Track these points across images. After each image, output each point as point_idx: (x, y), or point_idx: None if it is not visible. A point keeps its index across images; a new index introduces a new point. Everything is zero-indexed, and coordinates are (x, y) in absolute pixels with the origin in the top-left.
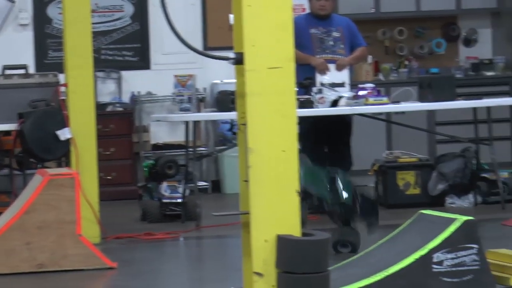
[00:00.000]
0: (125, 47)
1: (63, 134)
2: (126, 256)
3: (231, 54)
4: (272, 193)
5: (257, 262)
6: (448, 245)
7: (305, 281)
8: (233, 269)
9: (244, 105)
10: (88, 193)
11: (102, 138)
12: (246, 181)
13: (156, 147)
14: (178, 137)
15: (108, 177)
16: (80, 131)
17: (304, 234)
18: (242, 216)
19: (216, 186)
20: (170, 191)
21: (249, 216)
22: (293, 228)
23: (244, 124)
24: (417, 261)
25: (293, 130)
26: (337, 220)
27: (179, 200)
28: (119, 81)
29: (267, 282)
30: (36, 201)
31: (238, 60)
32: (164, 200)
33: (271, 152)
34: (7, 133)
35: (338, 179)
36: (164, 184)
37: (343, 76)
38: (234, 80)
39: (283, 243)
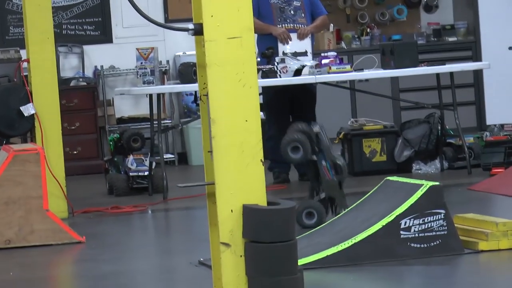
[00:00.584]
0: (86, 21)
1: (27, 110)
2: (94, 230)
3: (190, 25)
4: (236, 163)
5: (223, 233)
6: (415, 211)
7: (273, 250)
8: (201, 240)
9: (205, 76)
10: (54, 168)
11: (66, 113)
12: (210, 151)
13: (121, 120)
14: (142, 110)
15: (74, 152)
16: (44, 106)
17: (269, 203)
18: (208, 186)
19: (183, 158)
20: (137, 165)
21: (214, 186)
22: (258, 197)
23: (206, 95)
24: (384, 227)
25: (255, 99)
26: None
27: (146, 173)
28: (81, 55)
29: (235, 252)
30: (2, 177)
31: (198, 31)
32: (131, 174)
33: (234, 122)
34: None
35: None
36: (130, 157)
37: (305, 45)
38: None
39: (249, 213)
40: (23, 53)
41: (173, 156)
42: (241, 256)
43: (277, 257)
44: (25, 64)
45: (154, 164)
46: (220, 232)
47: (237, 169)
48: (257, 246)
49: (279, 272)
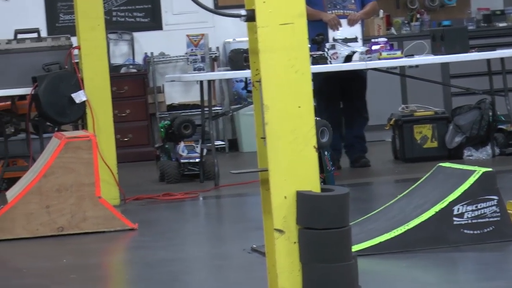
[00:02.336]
0: (136, 8)
1: (78, 97)
2: (145, 217)
3: (242, 11)
4: (289, 149)
5: (277, 219)
6: (468, 197)
7: (327, 236)
8: (253, 227)
9: (258, 62)
10: (106, 155)
11: (117, 100)
12: (263, 138)
13: (171, 107)
14: (192, 97)
15: (125, 139)
16: (95, 93)
17: (323, 190)
18: (261, 173)
19: (233, 144)
20: (188, 151)
21: (267, 173)
22: (312, 183)
23: (259, 81)
24: (437, 214)
25: (308, 85)
26: None
27: (197, 160)
28: (131, 42)
29: (288, 238)
30: (54, 164)
31: (250, 17)
32: (182, 160)
33: (287, 108)
34: (22, 97)
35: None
36: (181, 144)
37: (355, 31)
38: (246, 39)
39: (303, 199)
40: (73, 40)
41: (223, 142)
42: (295, 242)
43: (331, 244)
44: (76, 51)
45: (205, 151)
46: (274, 219)
47: (290, 155)
48: (311, 232)
49: (333, 258)
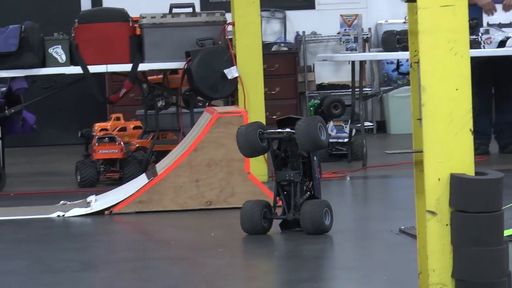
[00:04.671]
0: None
1: (230, 72)
2: None
3: None
4: (445, 131)
5: (430, 201)
6: None
7: (479, 220)
8: (400, 208)
9: (417, 43)
10: None
11: (267, 77)
12: (419, 119)
13: (321, 87)
14: (342, 77)
15: (273, 117)
16: (247, 70)
17: (477, 173)
18: (415, 154)
19: (381, 126)
20: (336, 131)
21: (422, 154)
22: (466, 167)
23: (417, 62)
24: None
25: (467, 68)
26: None
27: (345, 140)
28: (283, 21)
29: (440, 221)
30: (205, 138)
31: None
32: (331, 140)
33: (444, 90)
34: (174, 71)
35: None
36: (330, 124)
37: (510, 16)
38: (399, 20)
39: (457, 182)
40: (228, 16)
41: (372, 124)
42: (446, 225)
43: (484, 228)
44: (230, 27)
45: (354, 131)
46: (426, 200)
47: (445, 137)
48: (463, 215)
49: (485, 242)
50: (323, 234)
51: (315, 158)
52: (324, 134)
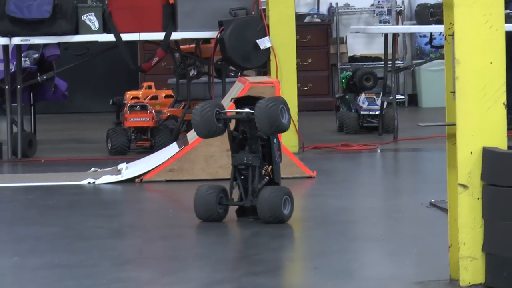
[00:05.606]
0: None
1: (263, 43)
2: (323, 165)
3: None
4: (478, 104)
5: (462, 174)
6: None
7: (511, 194)
8: (431, 182)
9: (452, 16)
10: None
11: (299, 48)
12: (452, 92)
13: (353, 59)
14: (375, 49)
15: (305, 88)
16: (280, 40)
17: (510, 147)
18: (448, 127)
19: (412, 99)
20: (368, 103)
21: (454, 127)
22: (499, 140)
23: (452, 35)
24: None
25: (501, 42)
26: None
27: (377, 113)
28: None
29: (472, 194)
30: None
31: None
32: (362, 112)
33: (478, 63)
34: (206, 41)
35: None
36: (362, 96)
37: None
38: None
39: (489, 155)
40: None
41: (403, 97)
42: (478, 198)
43: None
44: None
45: (385, 104)
46: (458, 174)
47: (478, 111)
48: (495, 189)
49: None
50: (341, 209)
51: (275, 140)
52: (286, 116)
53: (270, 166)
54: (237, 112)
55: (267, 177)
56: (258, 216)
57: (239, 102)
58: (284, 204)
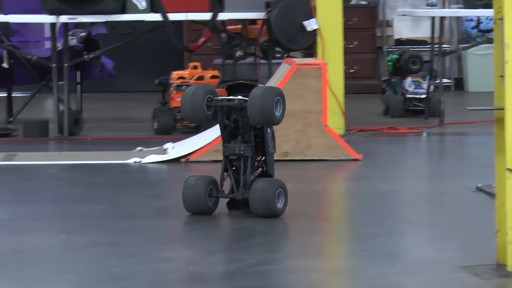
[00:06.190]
0: None
1: (310, 24)
2: (368, 148)
3: None
4: None
5: (510, 159)
6: None
7: None
8: (476, 166)
9: None
10: (333, 85)
11: (346, 31)
12: (501, 76)
13: (399, 42)
14: (421, 33)
15: (350, 71)
16: (327, 22)
17: None
18: (496, 112)
19: (458, 83)
20: (414, 87)
21: (503, 112)
22: None
23: (501, 19)
24: None
25: None
26: None
27: (423, 96)
28: None
29: None
30: (283, 89)
31: None
32: (408, 95)
33: None
34: (253, 21)
35: None
36: (408, 79)
37: None
38: None
39: None
40: None
41: (449, 81)
42: None
43: None
44: None
45: (431, 87)
46: (507, 158)
47: None
48: None
49: None
50: (386, 192)
51: (269, 130)
52: (280, 109)
53: (263, 157)
54: (229, 99)
55: (260, 169)
56: (250, 209)
57: (232, 89)
58: (277, 198)
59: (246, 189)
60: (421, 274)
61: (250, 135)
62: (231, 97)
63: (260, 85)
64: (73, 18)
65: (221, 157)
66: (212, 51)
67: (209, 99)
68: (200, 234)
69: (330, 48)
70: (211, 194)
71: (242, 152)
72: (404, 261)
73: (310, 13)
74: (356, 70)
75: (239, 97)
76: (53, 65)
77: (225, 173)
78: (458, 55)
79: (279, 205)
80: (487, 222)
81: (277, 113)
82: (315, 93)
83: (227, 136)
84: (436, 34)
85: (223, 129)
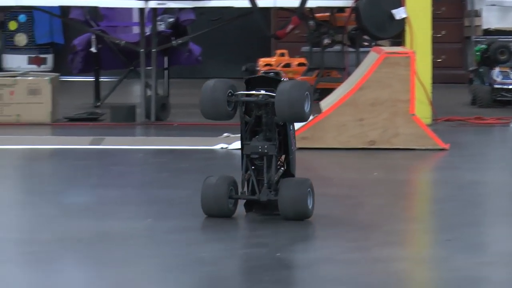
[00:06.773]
0: None
1: (399, 13)
2: (455, 138)
3: None
4: None
5: None
6: None
7: None
8: None
9: None
10: (421, 74)
11: (434, 20)
12: None
13: (487, 32)
14: (509, 23)
15: (438, 60)
16: (416, 11)
17: None
18: None
19: None
20: (502, 77)
21: None
22: None
23: None
24: None
25: None
26: None
27: (511, 87)
28: None
29: None
30: (371, 78)
31: None
32: (496, 86)
33: None
34: (340, 9)
35: None
36: (496, 69)
37: None
38: None
39: None
40: None
41: None
42: None
43: None
44: None
45: None
46: None
47: None
48: None
49: None
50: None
51: (291, 127)
52: (309, 105)
53: (284, 156)
54: (252, 95)
55: (282, 168)
56: (280, 212)
57: (251, 83)
58: (309, 199)
59: (272, 190)
60: (508, 266)
61: (273, 132)
62: (254, 92)
63: (285, 79)
64: (162, 4)
65: (307, 145)
66: (299, 38)
67: (230, 94)
68: (288, 221)
69: (418, 37)
70: (231, 196)
71: (266, 151)
72: (490, 252)
73: (399, 2)
74: (443, 59)
75: (262, 91)
76: (141, 50)
77: (246, 173)
78: None
79: (310, 206)
80: None
81: (306, 109)
82: (403, 82)
83: (248, 133)
84: None
85: (244, 126)
